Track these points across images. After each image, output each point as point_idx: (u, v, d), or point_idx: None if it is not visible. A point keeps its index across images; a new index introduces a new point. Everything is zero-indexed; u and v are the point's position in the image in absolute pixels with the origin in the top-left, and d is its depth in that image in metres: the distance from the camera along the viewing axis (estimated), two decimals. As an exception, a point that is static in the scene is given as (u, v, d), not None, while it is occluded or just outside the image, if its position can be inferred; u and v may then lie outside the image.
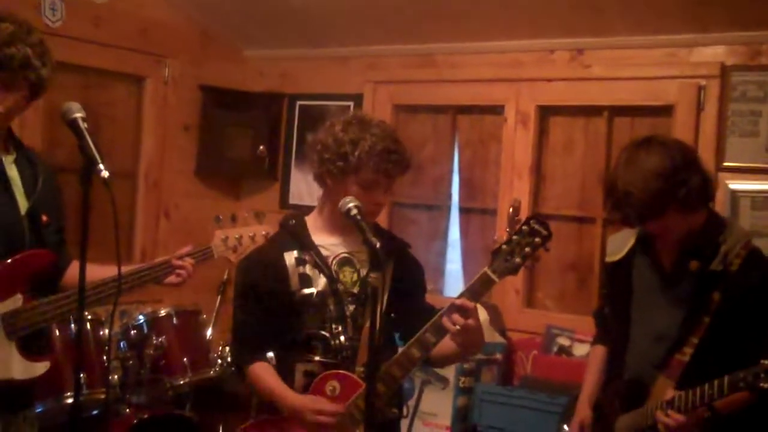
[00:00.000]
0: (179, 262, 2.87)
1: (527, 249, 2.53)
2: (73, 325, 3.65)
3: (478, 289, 2.57)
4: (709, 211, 2.83)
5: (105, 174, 2.31)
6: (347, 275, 2.81)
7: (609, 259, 3.04)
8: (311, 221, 2.89)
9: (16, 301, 2.63)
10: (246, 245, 2.96)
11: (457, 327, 2.53)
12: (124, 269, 2.60)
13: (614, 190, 2.72)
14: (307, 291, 2.75)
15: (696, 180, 2.70)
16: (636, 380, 2.86)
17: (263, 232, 3.01)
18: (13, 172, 2.74)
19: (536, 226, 2.54)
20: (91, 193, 2.34)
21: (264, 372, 2.80)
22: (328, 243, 2.83)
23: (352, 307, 2.78)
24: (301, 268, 2.78)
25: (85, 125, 2.39)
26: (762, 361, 2.45)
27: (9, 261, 2.64)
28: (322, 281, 2.77)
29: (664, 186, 2.65)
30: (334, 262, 2.81)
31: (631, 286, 2.94)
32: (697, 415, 2.61)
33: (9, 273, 2.63)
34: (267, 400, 2.80)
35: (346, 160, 2.70)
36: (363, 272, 2.81)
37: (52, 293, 2.72)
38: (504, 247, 2.55)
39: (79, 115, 2.40)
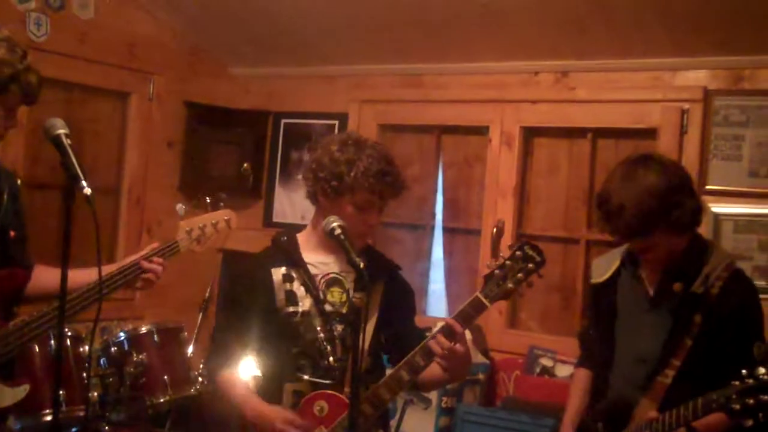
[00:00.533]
0: (148, 265, 2.84)
1: (520, 275, 2.56)
2: (52, 342, 3.62)
3: (469, 313, 2.59)
4: (693, 234, 2.84)
5: (88, 191, 2.30)
6: (336, 295, 2.80)
7: (594, 280, 3.05)
8: (303, 239, 2.88)
9: None
10: (209, 234, 2.98)
11: (445, 351, 2.54)
12: (94, 278, 2.58)
13: (607, 203, 2.73)
14: (291, 309, 2.75)
15: (689, 204, 2.74)
16: (619, 402, 2.86)
17: (225, 218, 3.03)
18: None
19: (530, 252, 2.57)
20: (73, 209, 2.32)
21: (234, 380, 2.79)
22: (318, 261, 2.83)
23: (340, 327, 2.77)
24: (287, 285, 2.77)
25: (69, 141, 2.38)
26: (733, 383, 2.47)
27: None
28: (308, 300, 2.77)
29: (658, 205, 2.67)
30: (322, 281, 2.80)
31: (616, 308, 2.95)
32: None
33: None
34: (236, 410, 2.77)
35: (341, 180, 2.71)
36: (352, 293, 2.80)
37: (16, 303, 2.68)
38: (497, 272, 2.58)
39: (62, 131, 2.38)
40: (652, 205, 2.66)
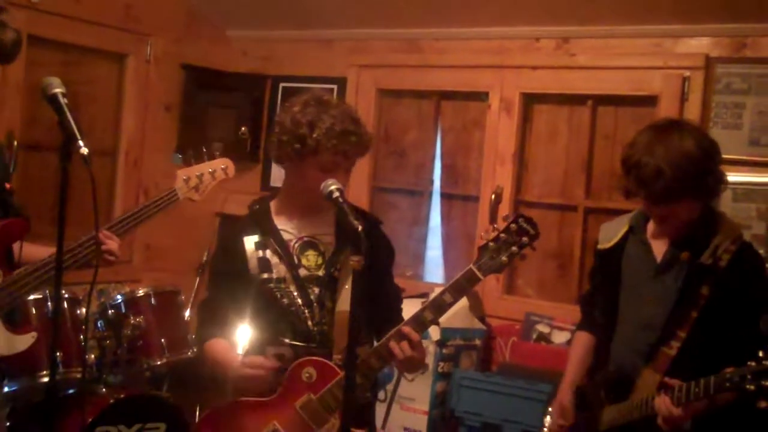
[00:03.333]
0: (103, 237, 2.74)
1: (514, 248, 2.56)
2: (49, 304, 3.62)
3: (462, 285, 2.60)
4: (705, 205, 2.83)
5: (84, 151, 2.29)
6: (311, 259, 2.79)
7: (600, 246, 3.04)
8: (275, 204, 2.86)
9: None
10: (207, 182, 2.98)
11: (403, 356, 2.58)
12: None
13: (639, 167, 2.68)
14: (266, 275, 2.74)
15: (718, 172, 2.74)
16: (622, 371, 2.86)
17: (222, 166, 3.03)
18: None
19: (524, 225, 2.56)
20: (70, 171, 2.31)
21: (216, 345, 2.80)
22: (291, 226, 2.82)
23: (317, 290, 2.76)
24: (260, 252, 2.76)
25: (65, 101, 2.37)
26: (749, 363, 2.45)
27: None
28: (281, 267, 2.76)
29: (695, 169, 2.66)
30: (296, 245, 2.79)
31: (621, 274, 2.94)
32: (697, 408, 2.59)
33: None
34: (218, 375, 2.79)
35: (304, 143, 2.66)
36: (328, 255, 2.78)
37: (11, 266, 2.69)
38: (491, 244, 2.57)
39: (59, 90, 2.38)
40: (690, 169, 2.65)
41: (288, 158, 2.73)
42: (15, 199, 2.80)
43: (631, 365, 2.83)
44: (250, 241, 2.78)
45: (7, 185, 2.76)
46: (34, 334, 2.71)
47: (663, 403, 2.63)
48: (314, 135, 2.64)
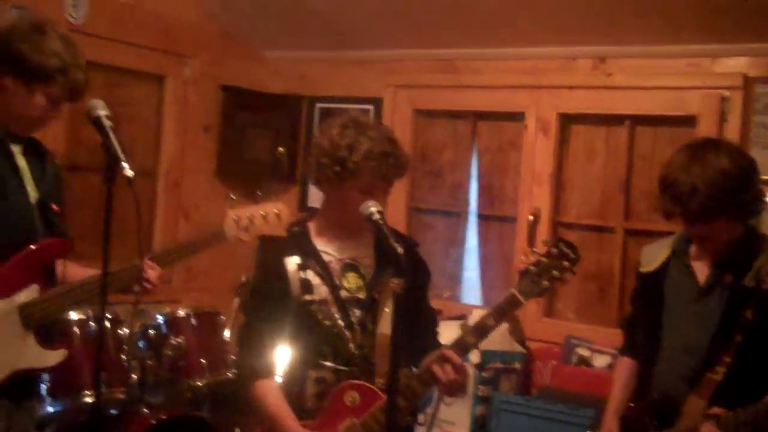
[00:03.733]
0: (148, 272, 2.77)
1: (555, 272, 2.57)
2: (92, 323, 3.65)
3: (504, 309, 2.61)
4: (747, 226, 2.81)
5: (129, 173, 2.32)
6: (351, 281, 2.78)
7: (643, 269, 3.02)
8: (314, 226, 2.85)
9: (33, 291, 2.64)
10: (258, 225, 2.92)
11: (447, 380, 2.59)
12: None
13: (675, 185, 2.68)
14: (308, 297, 2.72)
15: (755, 190, 2.72)
16: (667, 398, 2.83)
17: (275, 211, 2.96)
18: (21, 161, 2.74)
19: (565, 249, 2.57)
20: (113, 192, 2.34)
21: (268, 392, 2.72)
22: (331, 248, 2.81)
23: (358, 312, 2.75)
24: (302, 274, 2.74)
25: (110, 123, 2.40)
26: None
27: (27, 251, 2.64)
28: (323, 288, 2.74)
29: (732, 187, 2.64)
30: (337, 267, 2.78)
31: (664, 297, 2.92)
32: None
33: (26, 263, 2.64)
34: (268, 421, 2.71)
35: (343, 165, 2.66)
36: (368, 278, 2.78)
37: (51, 283, 2.73)
38: (532, 268, 2.58)
39: (103, 113, 2.42)
40: (726, 186, 2.63)
41: (327, 180, 2.73)
42: (61, 221, 2.83)
43: (676, 391, 2.80)
44: (291, 263, 2.77)
45: (55, 207, 2.78)
46: (64, 351, 2.74)
47: (708, 430, 2.61)
48: (353, 158, 2.65)
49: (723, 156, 2.68)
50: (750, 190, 2.70)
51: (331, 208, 2.82)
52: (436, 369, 2.59)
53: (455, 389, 2.68)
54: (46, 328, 2.71)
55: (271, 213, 2.95)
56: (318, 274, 2.75)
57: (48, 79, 2.62)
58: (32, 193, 2.73)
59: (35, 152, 2.80)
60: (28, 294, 2.63)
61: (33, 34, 2.63)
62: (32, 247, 2.65)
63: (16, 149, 2.74)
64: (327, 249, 2.80)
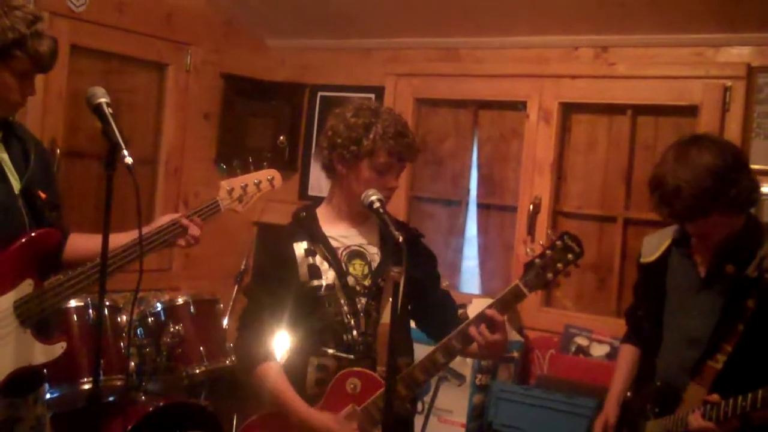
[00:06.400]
0: (187, 222, 2.78)
1: (559, 265, 2.58)
2: (91, 311, 3.65)
3: (508, 301, 2.62)
4: (749, 216, 2.79)
5: (129, 160, 2.31)
6: (357, 268, 2.79)
7: (644, 259, 3.02)
8: (321, 212, 2.86)
9: (27, 286, 2.59)
10: (251, 193, 2.93)
11: (485, 341, 2.57)
12: (130, 236, 2.61)
13: (662, 185, 2.68)
14: (316, 282, 2.73)
15: (745, 182, 2.69)
16: (668, 386, 2.83)
17: (268, 177, 2.98)
18: (2, 153, 2.66)
19: (570, 242, 2.58)
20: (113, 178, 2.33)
21: (272, 375, 2.73)
22: (339, 234, 2.82)
23: (363, 300, 2.76)
24: (310, 259, 2.76)
25: (110, 110, 2.39)
26: None
27: (17, 245, 2.57)
28: (331, 274, 2.75)
29: (715, 184, 2.62)
30: (344, 254, 2.79)
31: (665, 288, 2.91)
32: (730, 426, 2.57)
33: (18, 258, 2.58)
34: (272, 403, 2.74)
35: (359, 144, 2.70)
36: (374, 265, 2.79)
37: (54, 270, 2.69)
38: (537, 260, 2.59)
39: (104, 100, 2.41)
40: (709, 184, 2.61)
41: (342, 161, 2.75)
42: (53, 212, 2.75)
43: (677, 379, 2.80)
44: (299, 248, 2.77)
45: (42, 194, 2.70)
46: (63, 344, 2.69)
47: (694, 419, 2.62)
48: (371, 136, 2.70)
49: (705, 152, 2.66)
50: (739, 182, 2.66)
51: (339, 194, 2.83)
52: (473, 330, 2.59)
53: (496, 350, 2.66)
54: (43, 321, 2.66)
55: (264, 179, 2.95)
56: (326, 259, 2.76)
57: (6, 56, 2.51)
58: (15, 184, 2.65)
59: (17, 139, 2.71)
60: (21, 290, 2.58)
61: None
62: (22, 240, 2.58)
63: None
64: (334, 235, 2.81)
